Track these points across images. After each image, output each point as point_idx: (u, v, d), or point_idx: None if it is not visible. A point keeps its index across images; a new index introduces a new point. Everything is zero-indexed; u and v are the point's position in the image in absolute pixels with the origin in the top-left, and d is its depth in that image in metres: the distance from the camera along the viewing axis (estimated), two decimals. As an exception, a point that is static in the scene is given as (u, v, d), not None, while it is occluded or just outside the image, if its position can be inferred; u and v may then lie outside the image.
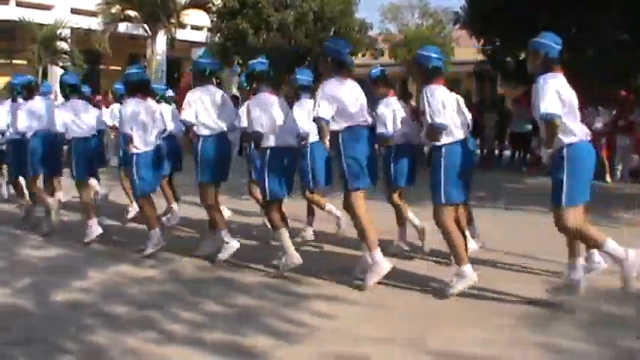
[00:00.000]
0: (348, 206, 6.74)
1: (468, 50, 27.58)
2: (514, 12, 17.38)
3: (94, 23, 24.81)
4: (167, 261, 7.75)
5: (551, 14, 16.95)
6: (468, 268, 6.31)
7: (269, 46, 23.62)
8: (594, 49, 17.13)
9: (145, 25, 24.85)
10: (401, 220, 8.02)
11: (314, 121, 6.75)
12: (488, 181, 15.03)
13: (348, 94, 6.66)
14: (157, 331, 5.43)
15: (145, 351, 5.01)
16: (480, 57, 21.55)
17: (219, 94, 7.80)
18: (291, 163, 7.27)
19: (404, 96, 20.38)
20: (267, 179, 7.11)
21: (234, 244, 7.59)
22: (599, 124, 16.02)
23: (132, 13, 24.81)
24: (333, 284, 6.69)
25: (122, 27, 25.87)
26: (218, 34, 25.60)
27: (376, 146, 7.18)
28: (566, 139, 5.78)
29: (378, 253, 6.59)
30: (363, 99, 6.79)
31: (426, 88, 6.31)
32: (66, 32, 24.17)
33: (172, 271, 7.33)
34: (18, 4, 24.20)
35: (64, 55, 23.82)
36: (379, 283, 6.58)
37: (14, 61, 24.07)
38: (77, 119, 8.84)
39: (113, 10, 24.55)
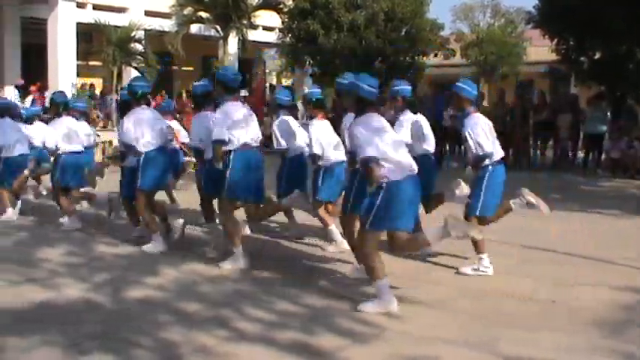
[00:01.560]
0: (221, 210, 7.87)
1: (541, 50, 27.17)
2: (589, 11, 17.08)
3: (167, 25, 25.15)
4: (240, 260, 7.81)
5: (627, 13, 16.63)
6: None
7: (339, 46, 23.62)
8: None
9: (217, 27, 25.06)
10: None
11: (212, 142, 7.59)
12: (562, 182, 14.82)
13: (239, 116, 7.53)
14: (229, 329, 5.48)
15: (217, 349, 5.06)
16: (554, 57, 21.19)
17: (151, 112, 8.69)
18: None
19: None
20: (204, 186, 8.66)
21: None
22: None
23: (204, 14, 25.06)
24: (403, 286, 6.65)
25: (195, 28, 26.16)
26: (289, 35, 25.71)
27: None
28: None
29: (239, 249, 7.48)
30: (252, 120, 7.72)
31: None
32: (140, 34, 24.52)
33: (245, 271, 7.38)
34: (95, 8, 24.67)
35: (138, 57, 24.18)
36: (448, 286, 6.55)
37: (90, 63, 24.55)
38: (69, 135, 9.75)
39: (186, 12, 24.80)
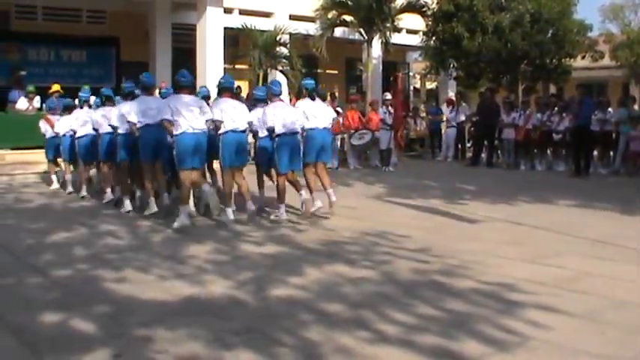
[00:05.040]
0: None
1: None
2: None
3: (312, 28, 25.46)
4: (382, 263, 7.84)
5: None
6: (229, 211, 10.24)
7: (484, 49, 23.31)
8: None
9: (361, 30, 25.17)
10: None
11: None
12: None
13: (153, 104, 10.84)
14: (370, 330, 5.49)
15: (357, 350, 5.08)
16: None
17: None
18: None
19: (625, 100, 19.47)
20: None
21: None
22: None
23: (348, 18, 25.21)
24: (549, 293, 6.48)
25: (339, 31, 26.34)
26: (433, 38, 25.55)
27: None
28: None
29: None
30: (161, 107, 10.41)
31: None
32: (285, 38, 24.92)
33: (387, 273, 7.38)
34: (241, 13, 25.23)
35: (284, 60, 24.59)
36: (597, 296, 6.35)
37: (236, 66, 25.13)
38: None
39: (330, 16, 25.01)
